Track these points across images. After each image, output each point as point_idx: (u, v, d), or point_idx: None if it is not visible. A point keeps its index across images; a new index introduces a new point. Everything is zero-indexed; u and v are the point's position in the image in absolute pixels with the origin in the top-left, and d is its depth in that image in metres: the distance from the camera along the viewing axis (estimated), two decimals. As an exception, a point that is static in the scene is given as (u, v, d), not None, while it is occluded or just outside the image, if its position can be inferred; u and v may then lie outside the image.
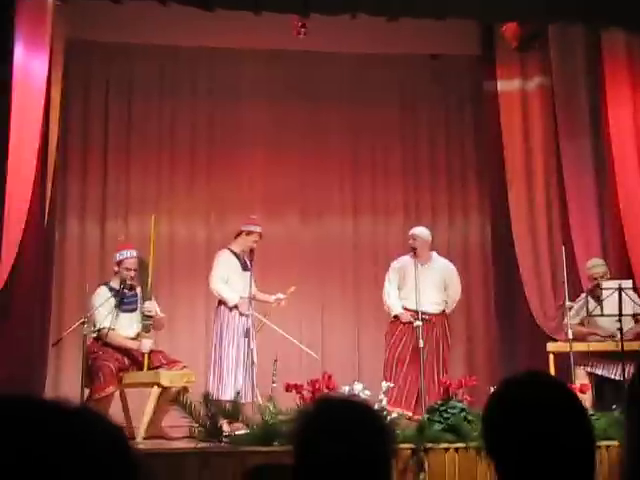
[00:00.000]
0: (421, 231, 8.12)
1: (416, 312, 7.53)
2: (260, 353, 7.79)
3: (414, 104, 10.25)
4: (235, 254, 7.99)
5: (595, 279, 7.82)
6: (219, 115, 9.92)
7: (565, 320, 7.51)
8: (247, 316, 7.72)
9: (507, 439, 1.75)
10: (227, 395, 7.26)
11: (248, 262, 7.90)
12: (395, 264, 8.18)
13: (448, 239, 10.01)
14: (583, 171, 8.89)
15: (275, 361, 6.91)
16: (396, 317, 7.90)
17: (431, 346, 7.72)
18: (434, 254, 8.22)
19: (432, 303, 7.84)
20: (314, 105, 10.01)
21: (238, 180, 9.85)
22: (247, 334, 7.66)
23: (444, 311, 8.01)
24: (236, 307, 7.81)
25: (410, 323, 7.58)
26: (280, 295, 7.97)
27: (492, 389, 5.38)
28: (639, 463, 1.57)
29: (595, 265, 7.98)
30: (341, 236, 10.06)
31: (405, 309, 7.88)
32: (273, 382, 6.64)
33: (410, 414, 7.23)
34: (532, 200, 9.14)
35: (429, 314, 7.74)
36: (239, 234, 8.04)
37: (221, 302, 7.90)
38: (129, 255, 7.50)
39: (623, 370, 7.07)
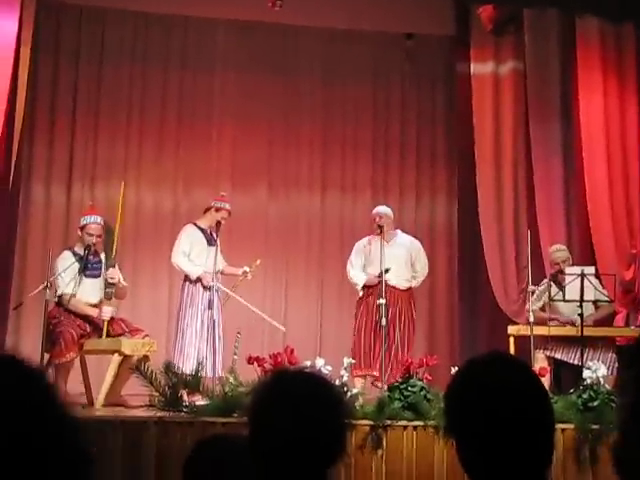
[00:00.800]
0: (385, 209, 8.13)
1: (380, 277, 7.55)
2: (225, 326, 7.78)
3: (387, 82, 10.23)
4: (201, 229, 7.95)
5: (557, 264, 7.89)
6: (190, 84, 9.84)
7: (527, 304, 7.56)
8: (210, 289, 7.70)
9: (469, 418, 1.76)
10: (188, 367, 7.25)
11: (214, 236, 7.87)
12: (357, 246, 8.17)
13: (415, 219, 10.03)
14: (551, 156, 8.94)
15: (237, 333, 6.90)
16: (364, 288, 7.89)
17: (396, 323, 7.74)
18: (399, 232, 8.24)
19: (399, 279, 7.85)
20: (286, 79, 9.96)
21: (207, 151, 9.80)
22: (210, 307, 7.64)
23: (410, 288, 8.03)
24: (199, 280, 7.79)
25: (379, 283, 7.57)
26: (246, 268, 7.95)
27: (453, 369, 5.44)
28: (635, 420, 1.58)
29: (557, 250, 8.05)
30: (308, 211, 10.06)
31: (368, 287, 7.89)
32: (235, 354, 6.63)
33: (376, 374, 7.30)
34: (499, 183, 9.17)
35: (397, 289, 7.76)
36: (208, 209, 7.99)
37: (187, 276, 7.88)
38: (92, 220, 7.43)
39: (582, 355, 7.15)
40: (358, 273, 7.97)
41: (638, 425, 1.52)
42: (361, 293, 7.95)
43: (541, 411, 1.78)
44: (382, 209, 8.14)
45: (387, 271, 7.49)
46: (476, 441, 1.75)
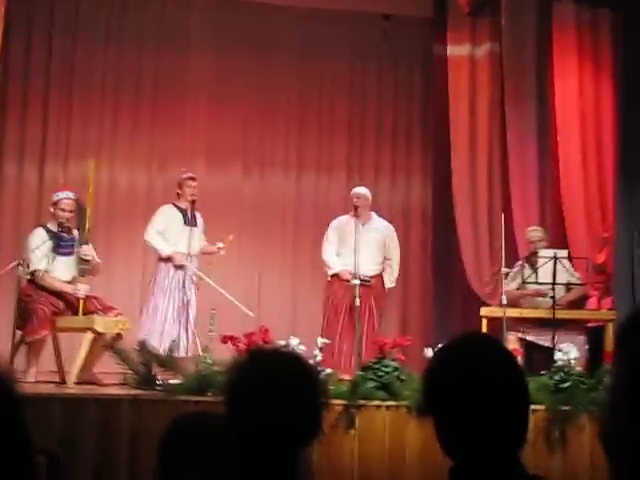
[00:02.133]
0: (365, 191, 8.14)
1: (354, 272, 7.56)
2: (200, 304, 7.78)
3: (364, 63, 10.21)
4: (179, 209, 7.93)
5: (532, 242, 7.95)
6: (165, 63, 9.77)
7: (501, 286, 7.61)
8: (183, 269, 7.68)
9: (446, 397, 1.78)
10: (157, 345, 7.21)
11: (191, 217, 7.83)
12: (334, 223, 8.19)
13: (390, 200, 10.04)
14: (526, 139, 8.96)
15: (212, 309, 6.91)
16: (334, 275, 7.93)
17: (366, 306, 7.76)
18: (374, 215, 8.26)
19: (371, 263, 7.88)
20: (262, 58, 9.91)
21: (181, 130, 9.74)
22: (183, 286, 7.63)
23: (381, 273, 8.05)
24: (169, 259, 7.78)
25: (348, 281, 7.61)
26: (219, 244, 7.94)
27: (426, 350, 5.45)
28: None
29: (533, 230, 8.13)
30: (283, 191, 10.04)
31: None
32: (210, 331, 6.63)
33: (344, 377, 7.29)
34: (474, 165, 9.19)
35: (368, 276, 7.78)
36: (179, 188, 7.97)
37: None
38: (64, 196, 7.39)
39: (553, 337, 7.22)
40: (333, 259, 7.97)
41: (625, 404, 1.54)
42: (329, 277, 7.97)
43: (517, 391, 1.80)
44: (361, 190, 8.16)
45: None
46: (452, 420, 1.77)
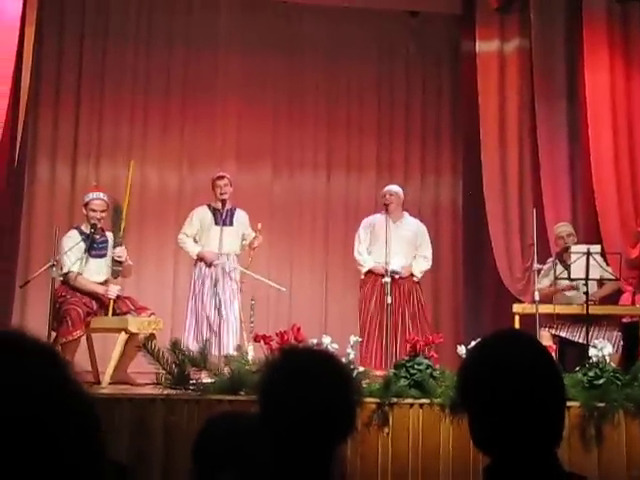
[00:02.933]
0: (397, 189, 8.15)
1: (385, 269, 7.57)
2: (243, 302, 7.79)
3: (392, 61, 10.20)
4: (212, 208, 7.95)
5: (561, 237, 7.90)
6: (194, 64, 9.82)
7: (533, 283, 7.57)
8: (215, 267, 7.71)
9: (482, 393, 1.77)
10: (195, 346, 7.25)
11: (225, 216, 7.83)
12: (366, 222, 8.19)
13: (420, 198, 10.03)
14: (557, 135, 8.91)
15: (252, 301, 6.97)
16: (368, 272, 7.93)
17: (401, 302, 7.76)
18: (406, 214, 8.25)
19: (403, 260, 7.87)
20: (291, 58, 9.94)
21: (211, 130, 9.79)
22: (215, 285, 7.65)
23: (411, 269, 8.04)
24: (200, 260, 7.82)
25: (382, 276, 7.62)
26: (253, 234, 7.94)
27: (459, 347, 5.44)
28: None
29: (562, 225, 8.09)
30: (313, 191, 10.05)
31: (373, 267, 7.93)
32: (251, 322, 6.66)
33: (378, 374, 7.28)
34: (505, 162, 9.15)
35: (398, 271, 7.78)
36: (212, 188, 7.99)
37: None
38: (95, 197, 7.43)
39: (587, 333, 7.17)
40: (365, 255, 7.98)
41: None
42: (363, 276, 7.97)
43: (553, 388, 1.79)
44: (394, 188, 8.17)
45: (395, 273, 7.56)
46: (487, 417, 1.76)
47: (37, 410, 1.12)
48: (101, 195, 7.47)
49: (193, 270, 7.93)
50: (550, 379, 1.80)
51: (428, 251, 8.17)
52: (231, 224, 7.93)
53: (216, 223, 7.83)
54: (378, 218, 8.07)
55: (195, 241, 7.96)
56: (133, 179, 7.92)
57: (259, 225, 7.92)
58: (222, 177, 7.95)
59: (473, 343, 5.90)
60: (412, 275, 7.98)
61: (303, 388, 1.92)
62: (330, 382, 1.96)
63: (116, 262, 7.34)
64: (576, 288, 7.66)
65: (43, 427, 1.12)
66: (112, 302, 7.18)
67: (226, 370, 6.11)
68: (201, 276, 7.82)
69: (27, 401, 1.12)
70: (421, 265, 8.08)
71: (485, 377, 1.78)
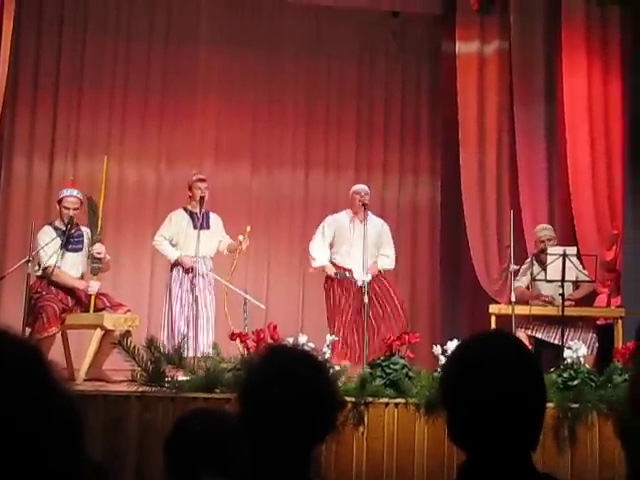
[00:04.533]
0: (368, 189, 8.18)
1: (349, 269, 7.63)
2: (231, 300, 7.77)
3: (372, 61, 10.21)
4: (189, 212, 7.90)
5: (542, 242, 7.93)
6: (174, 60, 9.79)
7: (509, 283, 7.60)
8: (192, 271, 7.67)
9: (464, 391, 1.77)
10: (169, 343, 7.23)
11: (202, 220, 7.77)
12: (330, 219, 8.18)
13: (398, 198, 10.05)
14: (535, 137, 8.95)
15: (244, 303, 6.98)
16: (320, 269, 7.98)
17: (373, 302, 7.77)
18: (370, 213, 8.24)
19: (370, 258, 7.89)
20: (271, 56, 9.93)
21: (190, 127, 9.76)
22: (192, 287, 7.63)
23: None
24: (178, 263, 7.78)
25: (333, 278, 7.69)
26: (240, 237, 7.88)
27: (435, 347, 5.45)
28: None
29: (543, 229, 8.12)
30: (291, 189, 10.05)
31: (336, 265, 7.94)
32: (245, 326, 6.66)
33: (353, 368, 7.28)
34: (483, 163, 9.18)
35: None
36: (189, 190, 7.94)
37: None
38: (68, 194, 7.40)
39: (562, 334, 7.22)
40: (322, 251, 7.98)
41: None
42: (311, 270, 7.97)
43: (535, 391, 1.79)
44: (365, 187, 8.19)
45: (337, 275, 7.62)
46: (468, 415, 1.76)
47: (19, 409, 1.11)
48: (74, 192, 7.43)
49: (170, 272, 7.87)
50: (533, 381, 1.80)
51: (391, 250, 8.17)
52: (208, 227, 7.89)
53: (194, 227, 7.77)
54: (344, 217, 8.07)
55: (172, 245, 7.90)
56: (109, 175, 7.88)
57: (248, 228, 7.86)
58: (204, 180, 7.89)
59: (450, 343, 5.94)
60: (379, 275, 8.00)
61: (285, 388, 1.92)
62: (312, 382, 1.96)
63: (95, 259, 7.30)
64: (551, 302, 7.70)
65: (25, 426, 1.11)
66: (93, 298, 7.14)
67: (201, 368, 6.09)
68: (178, 279, 7.79)
69: (9, 400, 1.11)
70: (384, 263, 8.09)
71: (468, 375, 1.78)
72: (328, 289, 8.01)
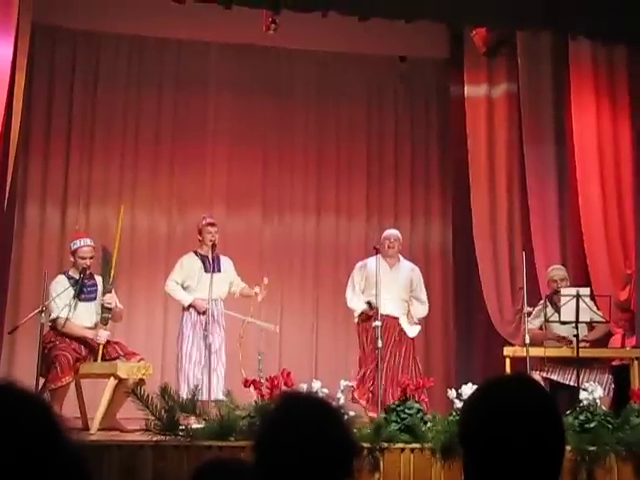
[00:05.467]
0: (398, 234, 8.12)
1: (377, 312, 7.56)
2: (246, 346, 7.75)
3: (380, 105, 10.28)
4: (200, 256, 7.91)
5: (555, 281, 7.89)
6: (184, 107, 9.87)
7: (523, 325, 7.56)
8: (205, 314, 7.66)
9: (483, 435, 1.75)
10: (186, 392, 7.21)
11: (213, 263, 7.77)
12: (360, 265, 8.14)
13: (410, 241, 10.03)
14: (546, 178, 8.97)
15: (259, 354, 6.98)
16: (362, 314, 7.88)
17: (393, 346, 7.73)
18: (401, 257, 8.22)
19: (397, 303, 7.86)
20: (281, 101, 10.00)
21: (201, 174, 9.82)
22: (205, 329, 7.62)
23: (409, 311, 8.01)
24: (192, 307, 7.77)
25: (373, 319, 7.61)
26: (256, 289, 7.87)
27: (450, 391, 5.43)
28: None
29: (555, 268, 8.09)
30: (302, 234, 10.06)
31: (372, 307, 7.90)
32: (260, 376, 6.63)
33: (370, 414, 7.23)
34: (494, 205, 9.20)
35: (395, 316, 7.78)
36: (199, 234, 7.95)
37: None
38: (83, 244, 7.43)
39: (577, 376, 7.16)
40: (357, 301, 7.92)
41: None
42: (357, 320, 7.93)
43: (555, 435, 1.77)
44: (395, 232, 8.14)
45: (370, 305, 7.53)
46: (487, 458, 1.74)
47: (27, 462, 1.11)
48: (88, 241, 7.46)
49: (182, 315, 7.87)
50: (553, 424, 1.78)
51: (423, 295, 8.14)
52: (219, 271, 7.89)
53: (206, 270, 7.78)
54: (372, 262, 8.02)
55: (183, 288, 7.90)
56: (123, 224, 7.91)
57: (265, 280, 7.86)
58: (214, 224, 7.90)
59: (465, 386, 5.90)
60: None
61: (300, 435, 1.90)
62: (327, 428, 1.95)
63: (105, 309, 7.31)
64: (568, 343, 7.63)
65: (35, 477, 1.11)
66: (101, 347, 7.14)
67: (215, 415, 6.06)
68: (191, 321, 7.78)
69: (17, 453, 1.11)
70: (418, 311, 8.05)
71: (487, 418, 1.76)
72: (361, 331, 7.92)
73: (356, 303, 7.92)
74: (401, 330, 7.85)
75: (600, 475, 5.93)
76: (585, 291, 7.48)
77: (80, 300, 7.29)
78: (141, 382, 6.89)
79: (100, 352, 7.13)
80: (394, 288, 7.75)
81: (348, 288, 8.04)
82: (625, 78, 8.72)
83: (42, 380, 6.95)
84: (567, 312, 7.30)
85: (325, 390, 6.03)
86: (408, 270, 8.14)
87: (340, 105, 10.08)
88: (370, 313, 7.66)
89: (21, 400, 1.18)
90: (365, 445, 5.82)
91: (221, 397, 6.77)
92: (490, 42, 9.06)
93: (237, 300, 8.10)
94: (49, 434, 1.16)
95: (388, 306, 7.63)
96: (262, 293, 7.80)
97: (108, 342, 7.23)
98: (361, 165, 10.18)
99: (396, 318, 7.82)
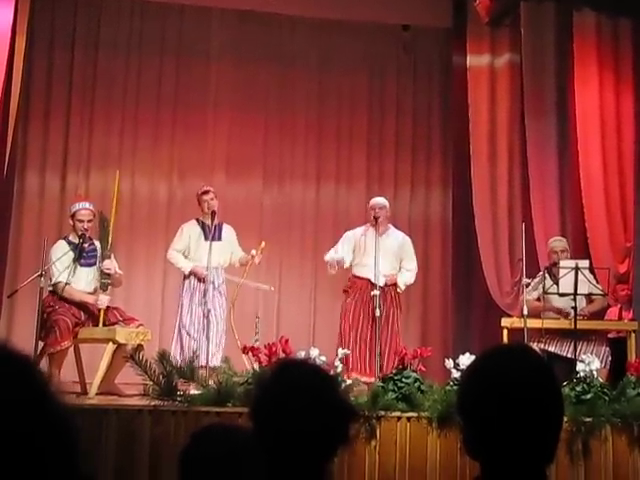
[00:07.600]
0: (385, 202, 8.10)
1: (373, 282, 7.56)
2: (242, 311, 7.78)
3: (383, 74, 10.24)
4: (201, 223, 7.90)
5: (555, 252, 7.88)
6: (185, 74, 9.82)
7: (521, 296, 7.57)
8: (205, 281, 7.67)
9: (482, 403, 1.75)
10: (181, 357, 7.23)
11: (214, 231, 7.76)
12: (350, 234, 8.15)
13: (409, 211, 10.04)
14: (546, 150, 8.94)
15: (257, 317, 6.99)
16: (354, 283, 7.90)
17: (385, 315, 7.74)
18: (391, 226, 8.22)
19: (389, 270, 7.86)
20: (282, 69, 9.95)
21: (202, 141, 9.79)
22: (204, 296, 7.63)
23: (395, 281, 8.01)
24: (192, 274, 7.79)
25: (370, 288, 7.61)
26: (253, 252, 7.88)
27: (447, 361, 5.44)
28: None
29: (556, 240, 8.08)
30: (302, 202, 10.06)
31: (358, 277, 7.90)
32: (256, 340, 6.66)
33: (370, 380, 7.25)
34: (494, 176, 9.17)
35: (386, 286, 7.78)
36: (198, 203, 7.94)
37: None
38: (81, 206, 7.42)
39: (575, 348, 7.18)
40: (333, 253, 7.96)
41: None
42: (333, 271, 7.92)
43: (553, 405, 1.78)
44: (381, 200, 8.11)
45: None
46: (485, 427, 1.75)
47: (13, 423, 1.11)
48: (87, 205, 7.46)
49: (182, 284, 7.88)
50: (551, 394, 1.78)
51: (412, 263, 8.13)
52: (220, 239, 7.89)
53: (205, 238, 7.78)
54: (366, 231, 8.02)
55: (184, 256, 7.91)
56: (121, 189, 7.90)
57: (262, 244, 7.87)
58: (207, 192, 7.88)
59: (462, 356, 5.92)
60: (395, 286, 7.96)
61: (296, 401, 1.92)
62: (323, 395, 1.96)
63: (104, 275, 7.32)
64: (565, 315, 7.63)
65: (20, 442, 1.11)
66: (102, 312, 7.16)
67: (213, 382, 6.08)
68: (190, 289, 7.79)
69: (2, 414, 1.11)
70: (405, 278, 8.05)
71: (486, 388, 1.77)
72: (346, 300, 7.94)
73: (331, 255, 7.94)
74: (390, 297, 7.86)
75: (595, 446, 5.96)
76: (584, 263, 7.48)
77: (80, 265, 7.30)
78: (140, 347, 6.91)
79: (101, 317, 7.14)
80: (384, 256, 7.72)
81: (332, 250, 8.05)
82: (629, 51, 8.69)
83: (41, 344, 6.97)
84: (566, 284, 7.30)
85: (323, 358, 6.05)
86: (399, 238, 8.13)
87: (342, 73, 10.03)
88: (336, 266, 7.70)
89: (5, 361, 1.17)
90: (362, 413, 5.85)
91: (219, 363, 6.80)
92: (493, 12, 9.00)
93: (237, 269, 8.10)
94: (34, 397, 1.16)
95: (380, 273, 7.62)
96: (259, 256, 7.81)
97: (107, 307, 7.24)
98: (362, 134, 10.15)
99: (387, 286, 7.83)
